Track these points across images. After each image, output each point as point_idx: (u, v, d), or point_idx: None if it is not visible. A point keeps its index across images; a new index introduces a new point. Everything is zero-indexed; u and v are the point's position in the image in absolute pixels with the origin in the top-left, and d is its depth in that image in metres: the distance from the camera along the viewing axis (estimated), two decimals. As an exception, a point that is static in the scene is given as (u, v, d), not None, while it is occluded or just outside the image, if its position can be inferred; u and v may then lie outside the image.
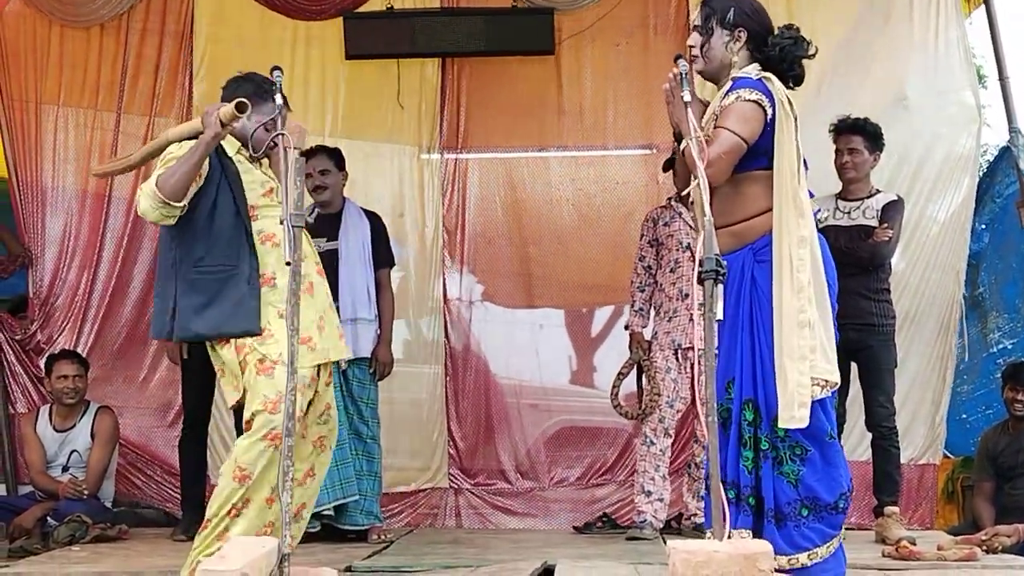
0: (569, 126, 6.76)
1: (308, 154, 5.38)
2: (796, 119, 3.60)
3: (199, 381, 5.41)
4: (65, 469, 5.75)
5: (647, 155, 6.71)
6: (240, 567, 2.88)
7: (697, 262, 3.19)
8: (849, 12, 6.38)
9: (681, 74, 3.49)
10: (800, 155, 3.58)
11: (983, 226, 6.43)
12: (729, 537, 3.08)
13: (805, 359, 3.47)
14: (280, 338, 3.70)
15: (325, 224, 5.49)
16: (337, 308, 5.08)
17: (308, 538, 4.61)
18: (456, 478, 6.53)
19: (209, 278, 3.86)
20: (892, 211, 5.23)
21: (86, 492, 5.54)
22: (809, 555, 3.53)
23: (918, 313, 6.10)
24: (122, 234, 6.52)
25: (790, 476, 3.53)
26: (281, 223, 3.39)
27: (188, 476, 5.69)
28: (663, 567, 3.11)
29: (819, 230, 3.68)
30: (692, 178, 3.37)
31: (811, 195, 3.66)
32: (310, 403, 3.92)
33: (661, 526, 5.54)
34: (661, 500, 5.52)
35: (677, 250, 5.59)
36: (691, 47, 3.74)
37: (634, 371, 5.68)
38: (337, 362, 4.25)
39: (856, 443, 5.63)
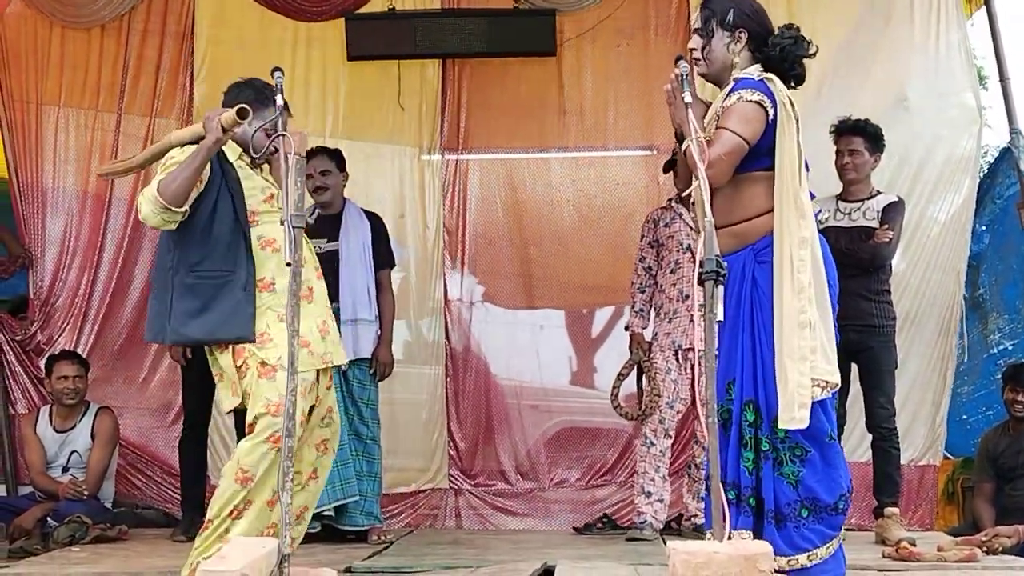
0: (570, 127, 6.76)
1: (309, 155, 5.36)
2: (798, 120, 3.59)
3: (199, 382, 5.38)
4: (65, 470, 5.75)
5: (648, 156, 6.72)
6: (240, 568, 2.88)
7: (698, 263, 3.20)
8: (850, 14, 6.38)
9: (682, 75, 3.50)
10: (801, 156, 3.58)
11: (984, 227, 6.43)
12: (729, 538, 3.09)
13: (806, 360, 3.47)
14: (280, 342, 3.69)
15: (326, 225, 5.49)
16: (337, 309, 5.11)
17: (308, 539, 4.60)
18: (456, 479, 6.53)
19: (206, 283, 3.85)
20: (893, 212, 5.23)
21: (86, 493, 5.54)
22: (809, 556, 3.53)
23: (918, 314, 6.10)
24: (122, 235, 6.52)
25: (790, 477, 3.53)
26: (282, 224, 3.39)
27: (188, 477, 5.70)
28: (663, 568, 3.11)
29: (820, 231, 3.68)
30: (693, 179, 3.36)
31: (812, 196, 3.66)
32: (312, 407, 3.92)
33: (661, 527, 5.53)
34: (661, 501, 5.52)
35: (677, 251, 5.59)
36: (692, 51, 3.75)
37: (634, 372, 5.68)
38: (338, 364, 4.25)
39: (856, 444, 5.63)
